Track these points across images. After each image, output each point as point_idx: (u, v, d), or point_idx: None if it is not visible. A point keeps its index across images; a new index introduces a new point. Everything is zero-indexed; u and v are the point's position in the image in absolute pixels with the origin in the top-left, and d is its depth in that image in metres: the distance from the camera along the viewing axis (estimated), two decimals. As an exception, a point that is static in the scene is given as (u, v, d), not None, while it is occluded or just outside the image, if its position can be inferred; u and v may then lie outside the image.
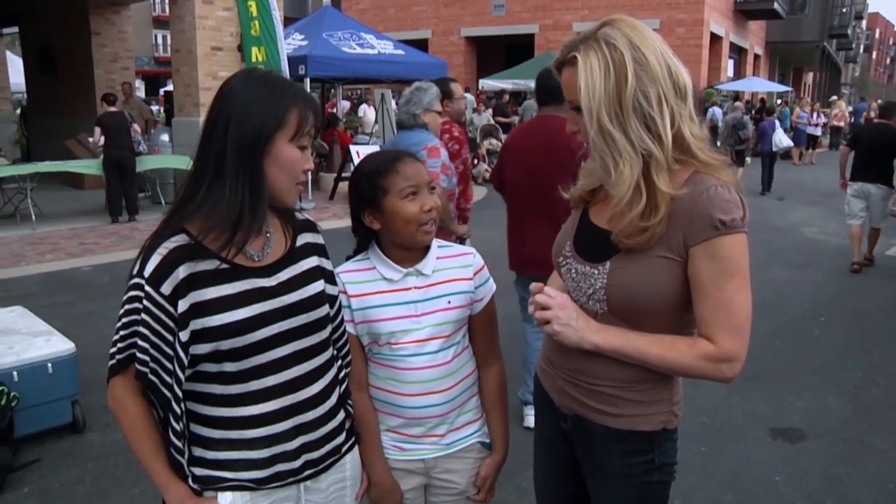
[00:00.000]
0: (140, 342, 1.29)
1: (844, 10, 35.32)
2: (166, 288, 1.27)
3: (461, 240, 3.97)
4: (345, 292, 1.59)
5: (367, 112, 16.65)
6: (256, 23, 9.88)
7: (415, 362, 1.60)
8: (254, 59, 9.89)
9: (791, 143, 15.72)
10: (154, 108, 24.10)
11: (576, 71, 1.35)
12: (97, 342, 4.72)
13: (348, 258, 1.70)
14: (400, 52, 12.23)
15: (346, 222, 1.67)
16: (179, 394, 1.31)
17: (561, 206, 1.71)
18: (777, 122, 14.03)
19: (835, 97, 27.55)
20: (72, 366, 3.59)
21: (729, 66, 26.75)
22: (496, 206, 12.09)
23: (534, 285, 1.45)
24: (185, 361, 1.29)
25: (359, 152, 10.43)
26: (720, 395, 4.01)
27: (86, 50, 12.77)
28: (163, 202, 10.11)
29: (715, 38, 23.72)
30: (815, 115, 19.71)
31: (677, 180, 1.35)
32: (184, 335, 1.28)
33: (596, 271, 1.42)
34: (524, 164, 3.26)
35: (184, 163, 9.45)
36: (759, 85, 25.75)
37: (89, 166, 9.56)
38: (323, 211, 10.18)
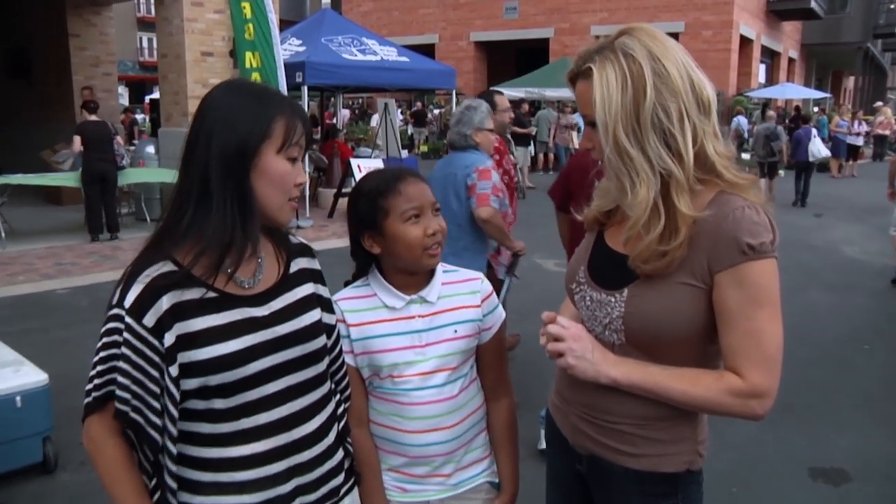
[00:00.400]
0: (120, 378, 1.29)
1: (893, 6, 34.76)
2: (149, 319, 1.28)
3: (516, 257, 4.02)
4: (343, 321, 1.61)
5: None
6: (251, 26, 9.94)
7: (419, 396, 1.60)
8: (248, 66, 9.96)
9: (829, 153, 15.75)
10: (139, 116, 24.42)
11: (591, 84, 1.37)
12: (74, 372, 4.71)
13: (347, 284, 1.71)
14: (404, 58, 12.34)
15: (347, 241, 1.69)
16: (175, 432, 1.31)
17: None
18: (814, 131, 14.10)
19: (879, 103, 27.46)
20: (44, 399, 3.55)
21: (760, 72, 26.84)
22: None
23: (545, 314, 1.46)
24: (178, 397, 1.29)
25: (360, 166, 10.50)
26: (752, 428, 3.99)
27: (63, 53, 12.81)
28: (148, 219, 10.19)
29: (745, 42, 23.83)
30: (856, 122, 19.70)
31: (700, 201, 1.36)
32: (173, 370, 1.28)
33: (612, 299, 1.43)
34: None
35: (171, 176, 9.47)
36: (794, 91, 25.81)
37: (67, 179, 9.60)
38: (321, 229, 10.23)
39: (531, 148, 16.42)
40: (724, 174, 1.36)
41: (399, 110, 18.92)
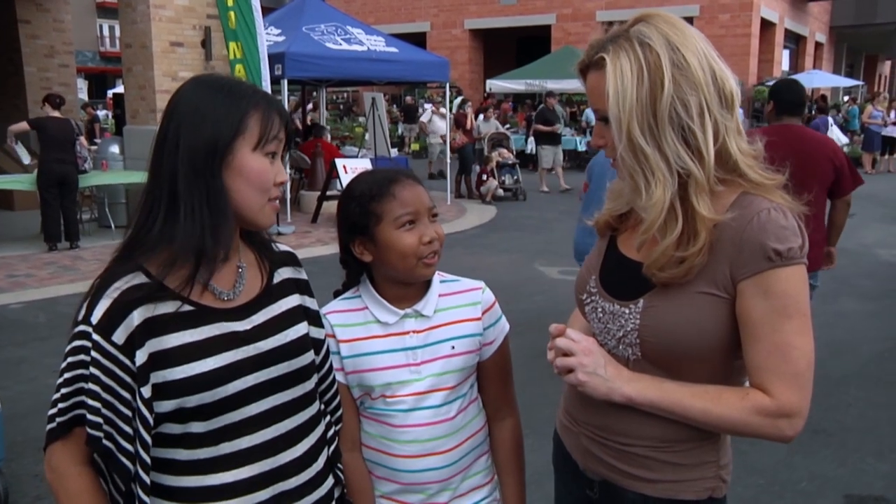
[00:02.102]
0: (89, 401, 1.29)
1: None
2: (119, 336, 1.29)
3: None
4: (333, 336, 1.62)
5: (437, 120, 16.14)
6: (233, 14, 9.98)
7: (413, 418, 1.62)
8: (231, 56, 10.00)
9: (846, 140, 16.12)
10: (101, 112, 24.41)
11: (603, 75, 1.37)
12: (30, 395, 4.73)
13: (336, 294, 1.72)
14: (393, 48, 12.39)
15: (332, 249, 1.70)
16: (147, 460, 1.31)
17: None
18: (830, 119, 14.50)
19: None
20: (-5, 426, 3.52)
21: (784, 58, 26.99)
22: (505, 228, 12.06)
23: (553, 327, 1.47)
24: (151, 421, 1.30)
25: (346, 167, 10.53)
26: (780, 452, 4.00)
27: (13, 42, 12.70)
28: (112, 226, 10.16)
29: (767, 25, 23.98)
30: (892, 112, 19.73)
31: (722, 203, 1.37)
32: (146, 391, 1.29)
33: (627, 310, 1.44)
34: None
35: (137, 179, 9.48)
36: (822, 79, 25.90)
37: (21, 182, 9.56)
38: (305, 236, 10.24)
39: (558, 147, 15.79)
40: (747, 174, 1.38)
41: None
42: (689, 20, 23.66)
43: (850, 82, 28.52)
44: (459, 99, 17.82)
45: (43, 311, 6.81)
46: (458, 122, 15.03)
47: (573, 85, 18.59)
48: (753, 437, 1.37)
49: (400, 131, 22.79)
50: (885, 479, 3.85)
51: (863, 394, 4.95)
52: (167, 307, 1.32)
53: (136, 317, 1.29)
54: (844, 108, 24.40)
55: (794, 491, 3.72)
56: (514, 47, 26.89)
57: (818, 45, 31.41)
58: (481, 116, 15.70)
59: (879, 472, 3.93)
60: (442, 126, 15.68)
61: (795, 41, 28.77)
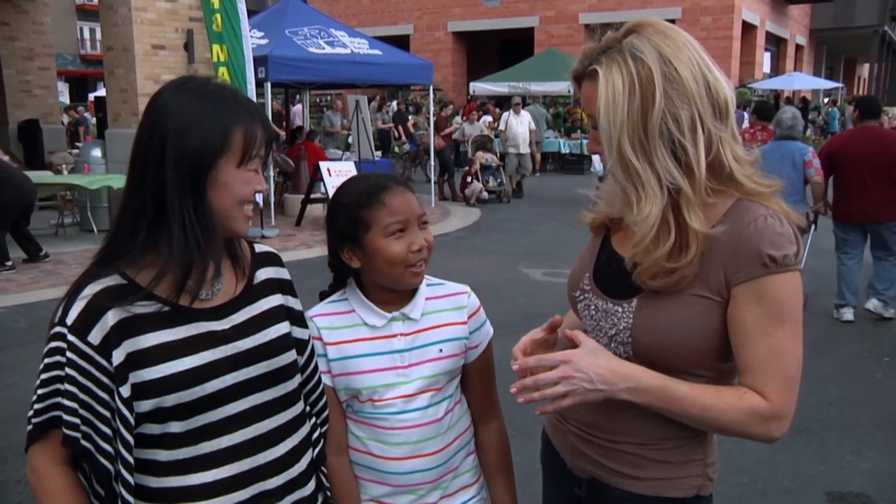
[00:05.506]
0: (66, 402, 1.29)
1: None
2: (94, 337, 1.29)
3: (816, 213, 6.78)
4: (320, 339, 1.62)
5: (512, 120, 14.87)
6: (218, 16, 9.93)
7: (402, 420, 1.62)
8: (215, 59, 9.95)
9: None
10: (88, 115, 24.17)
11: (596, 86, 1.37)
12: (11, 401, 4.69)
13: (322, 296, 1.72)
14: (377, 51, 12.38)
15: (316, 252, 1.71)
16: (131, 460, 1.30)
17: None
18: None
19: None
20: (-27, 434, 3.50)
21: (765, 61, 27.21)
22: (489, 230, 12.00)
23: (515, 350, 1.46)
24: (132, 421, 1.29)
25: (330, 169, 10.49)
26: (762, 451, 4.03)
27: (-10, 44, 12.66)
28: (95, 230, 10.07)
29: (748, 28, 24.17)
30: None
31: (714, 213, 1.37)
32: (125, 390, 1.28)
33: (620, 309, 1.45)
34: (861, 156, 6.26)
35: (119, 182, 9.38)
36: (803, 81, 26.05)
37: None
38: (289, 239, 10.19)
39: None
40: (743, 184, 1.38)
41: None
42: (671, 23, 23.68)
43: (830, 84, 28.69)
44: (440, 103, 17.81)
45: (24, 316, 6.74)
46: (437, 126, 15.02)
47: (556, 87, 18.67)
48: (742, 436, 1.38)
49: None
50: (866, 476, 3.89)
51: (843, 393, 4.99)
52: (143, 308, 1.32)
53: (111, 317, 1.29)
54: (824, 109, 24.59)
55: (777, 489, 3.75)
56: (498, 49, 26.94)
57: (798, 48, 31.69)
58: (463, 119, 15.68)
59: (860, 469, 3.97)
60: (521, 132, 14.59)
61: (776, 44, 29.01)
